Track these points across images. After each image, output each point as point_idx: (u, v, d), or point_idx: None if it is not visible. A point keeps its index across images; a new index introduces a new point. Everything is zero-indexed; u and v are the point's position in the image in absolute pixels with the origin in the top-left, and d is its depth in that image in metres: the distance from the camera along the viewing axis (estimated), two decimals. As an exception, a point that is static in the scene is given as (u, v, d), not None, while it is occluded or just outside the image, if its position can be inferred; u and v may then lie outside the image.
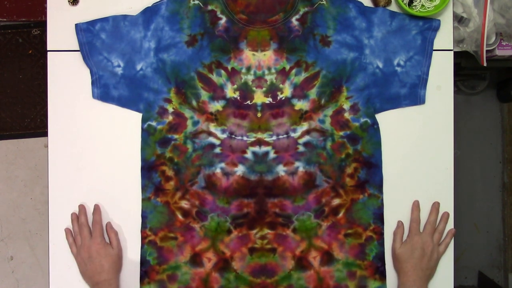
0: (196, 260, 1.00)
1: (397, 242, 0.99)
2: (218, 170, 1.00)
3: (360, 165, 1.00)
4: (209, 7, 1.00)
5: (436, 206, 1.01)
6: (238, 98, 1.00)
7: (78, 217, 1.00)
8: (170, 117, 1.00)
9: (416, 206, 1.01)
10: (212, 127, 1.00)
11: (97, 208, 1.00)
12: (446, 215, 1.01)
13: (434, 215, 1.00)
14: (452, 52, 1.03)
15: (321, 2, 1.01)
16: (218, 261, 1.00)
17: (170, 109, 1.00)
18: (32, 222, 1.83)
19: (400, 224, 1.00)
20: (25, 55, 1.83)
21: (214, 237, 1.00)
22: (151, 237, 1.00)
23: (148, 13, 1.00)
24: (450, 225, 1.02)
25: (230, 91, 1.00)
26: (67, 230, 1.00)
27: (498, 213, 1.82)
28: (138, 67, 1.00)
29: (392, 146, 1.02)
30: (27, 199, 1.83)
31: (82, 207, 1.00)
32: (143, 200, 1.00)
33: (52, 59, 1.02)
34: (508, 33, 1.05)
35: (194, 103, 1.00)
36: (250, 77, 1.00)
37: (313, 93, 1.00)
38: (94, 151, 1.02)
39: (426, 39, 1.01)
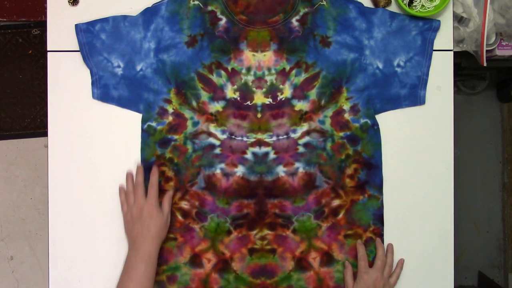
0: (195, 260, 1.00)
1: (349, 282, 0.98)
2: (218, 171, 1.00)
3: (360, 166, 1.00)
4: (209, 8, 1.00)
5: (380, 242, 1.00)
6: (238, 98, 1.00)
7: (135, 177, 0.98)
8: (170, 118, 1.00)
9: (360, 244, 0.99)
10: (212, 128, 1.00)
11: (155, 171, 0.98)
12: (390, 247, 1.00)
13: (381, 249, 0.99)
14: (452, 52, 1.03)
15: (321, 3, 1.01)
16: (218, 262, 1.00)
17: (170, 110, 1.00)
18: (32, 222, 1.83)
19: (347, 264, 0.99)
20: (25, 55, 1.83)
21: (214, 237, 1.00)
22: (151, 237, 1.00)
23: (148, 13, 1.00)
24: (450, 225, 1.02)
25: (230, 92, 1.00)
26: (120, 188, 1.00)
27: (498, 213, 1.82)
28: (138, 67, 1.00)
29: (392, 146, 1.02)
30: (27, 199, 1.83)
31: (140, 168, 0.98)
32: (143, 200, 1.00)
33: (52, 59, 1.02)
34: (508, 33, 1.05)
35: (194, 103, 1.00)
36: (250, 78, 1.00)
37: (313, 93, 1.00)
38: (94, 151, 1.02)
39: (426, 40, 1.01)
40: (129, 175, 0.99)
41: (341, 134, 1.00)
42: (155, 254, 0.94)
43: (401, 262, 1.01)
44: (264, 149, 1.00)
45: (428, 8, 0.99)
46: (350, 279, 0.98)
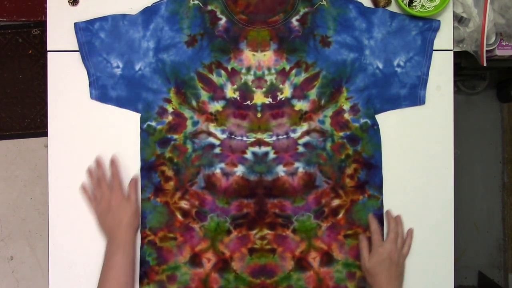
0: (195, 260, 1.00)
1: (365, 255, 0.97)
2: (217, 170, 1.00)
3: (360, 166, 1.00)
4: (209, 7, 1.00)
5: (389, 214, 1.00)
6: (238, 98, 1.00)
7: (96, 171, 0.99)
8: (170, 117, 1.00)
9: (372, 218, 0.99)
10: (212, 127, 1.00)
11: (114, 161, 0.99)
12: (399, 218, 1.01)
13: (392, 222, 0.99)
14: (452, 52, 1.03)
15: (321, 3, 1.01)
16: (218, 262, 1.00)
17: (170, 109, 1.00)
18: (32, 222, 1.83)
19: (362, 238, 0.99)
20: (25, 55, 1.83)
21: (214, 237, 1.00)
22: (150, 237, 1.00)
23: (148, 12, 1.00)
24: (450, 225, 1.02)
25: (230, 92, 1.00)
26: (83, 187, 1.00)
27: (498, 213, 1.82)
28: (137, 67, 1.00)
29: (392, 146, 1.02)
30: (27, 199, 1.83)
31: (99, 161, 0.99)
32: (142, 200, 1.00)
33: (52, 59, 1.02)
34: (508, 33, 1.05)
35: (194, 103, 1.00)
36: (250, 78, 1.00)
37: (313, 93, 1.00)
38: (94, 151, 1.02)
39: (426, 40, 1.01)
40: (89, 171, 1.00)
41: (341, 134, 1.00)
42: (131, 242, 0.95)
43: (411, 231, 1.01)
44: (264, 149, 1.00)
45: (428, 8, 0.99)
46: (366, 252, 0.97)
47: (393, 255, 0.96)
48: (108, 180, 0.99)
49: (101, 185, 0.98)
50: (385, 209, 1.01)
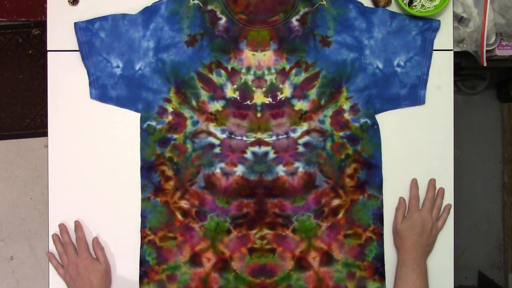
0: (195, 260, 1.00)
1: (399, 218, 0.99)
2: (217, 170, 1.00)
3: (360, 166, 1.00)
4: (209, 7, 1.00)
5: (433, 182, 1.01)
6: (238, 98, 1.00)
7: (61, 236, 0.99)
8: (170, 117, 1.00)
9: (414, 183, 1.01)
10: (212, 127, 1.00)
11: (78, 225, 1.00)
12: (442, 190, 1.01)
13: (431, 191, 1.00)
14: (452, 52, 1.03)
15: (321, 3, 1.01)
16: (218, 261, 1.00)
17: (170, 109, 1.00)
18: (32, 222, 1.83)
19: (401, 201, 1.00)
20: (25, 55, 1.83)
21: (214, 237, 1.00)
22: (150, 236, 1.00)
23: (148, 12, 1.00)
24: (450, 225, 1.02)
25: (230, 91, 1.00)
26: (49, 254, 1.00)
27: (498, 213, 1.82)
28: (137, 67, 1.00)
29: (392, 146, 1.02)
30: (27, 199, 1.83)
31: (63, 226, 0.99)
32: (142, 200, 1.00)
33: (52, 59, 1.02)
34: (508, 33, 1.05)
35: (193, 103, 1.00)
36: (250, 77, 1.00)
37: (313, 93, 1.00)
38: (94, 151, 1.02)
39: (426, 40, 1.01)
40: (56, 238, 1.00)
41: (341, 133, 1.00)
42: None
43: (448, 207, 1.01)
44: (263, 149, 1.00)
45: (428, 8, 0.99)
46: (401, 215, 0.99)
47: (426, 224, 0.97)
48: (74, 245, 0.99)
49: (67, 250, 0.98)
50: (385, 209, 1.01)
